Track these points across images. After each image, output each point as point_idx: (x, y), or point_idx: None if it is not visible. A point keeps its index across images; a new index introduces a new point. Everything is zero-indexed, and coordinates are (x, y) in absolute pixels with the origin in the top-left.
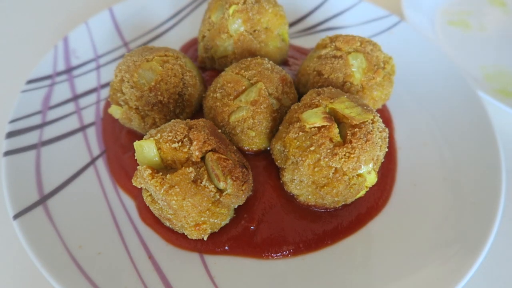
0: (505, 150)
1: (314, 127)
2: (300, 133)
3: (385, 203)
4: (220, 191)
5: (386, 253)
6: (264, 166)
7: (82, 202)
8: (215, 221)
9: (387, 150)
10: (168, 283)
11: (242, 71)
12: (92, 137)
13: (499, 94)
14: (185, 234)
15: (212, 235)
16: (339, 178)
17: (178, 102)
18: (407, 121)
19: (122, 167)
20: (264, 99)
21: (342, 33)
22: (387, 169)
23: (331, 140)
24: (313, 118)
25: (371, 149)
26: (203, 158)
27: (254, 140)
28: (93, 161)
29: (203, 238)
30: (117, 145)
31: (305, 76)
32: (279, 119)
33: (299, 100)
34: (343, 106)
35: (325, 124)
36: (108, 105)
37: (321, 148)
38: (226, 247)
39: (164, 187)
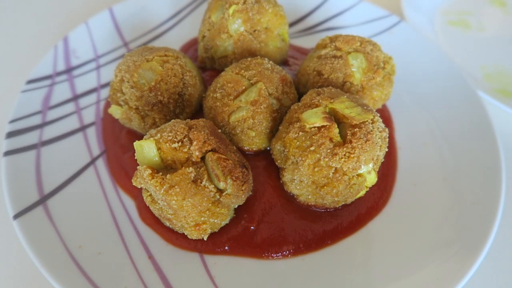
0: (505, 150)
1: (314, 127)
2: (300, 133)
3: (385, 203)
4: (220, 191)
5: (386, 253)
6: (264, 166)
7: (82, 202)
8: (215, 221)
9: (387, 150)
10: (168, 283)
11: (242, 71)
12: (92, 137)
13: (499, 94)
14: (185, 234)
15: (212, 235)
16: (339, 178)
17: (178, 102)
18: (407, 121)
19: (122, 167)
20: (264, 99)
21: (342, 33)
22: (387, 169)
23: (331, 140)
24: (313, 118)
25: (371, 149)
26: (203, 158)
27: (254, 140)
28: (93, 161)
29: (203, 238)
30: (117, 145)
31: (305, 76)
32: (279, 119)
33: (299, 100)
34: (343, 106)
35: (325, 124)
36: (108, 105)
37: (321, 148)
38: (226, 247)
39: (164, 187)
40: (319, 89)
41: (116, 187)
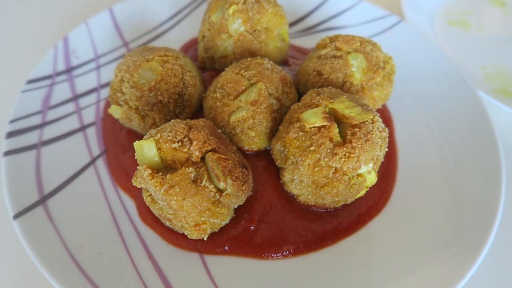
0: (505, 150)
1: (314, 127)
2: (300, 133)
3: (385, 203)
4: (220, 191)
5: (386, 253)
6: (264, 166)
7: (82, 202)
8: (215, 221)
9: (387, 150)
10: (168, 283)
11: (242, 71)
12: (92, 137)
13: (499, 94)
14: (185, 234)
15: (212, 235)
16: (339, 178)
17: (178, 102)
18: (407, 121)
19: (122, 167)
20: (264, 99)
21: (342, 33)
22: (387, 169)
23: (331, 140)
24: (313, 118)
25: (371, 149)
26: (203, 158)
27: (254, 140)
28: (93, 161)
29: (203, 238)
30: (117, 145)
31: (305, 76)
32: (279, 119)
33: (299, 100)
34: (343, 106)
35: (325, 124)
36: (108, 105)
37: (321, 148)
38: (226, 247)
39: (164, 187)
40: (319, 89)
41: (116, 187)
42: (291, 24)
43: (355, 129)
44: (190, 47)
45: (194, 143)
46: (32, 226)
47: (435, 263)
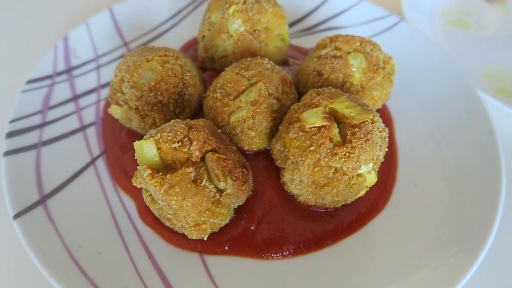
0: (505, 150)
1: (314, 127)
2: (300, 133)
3: (385, 203)
4: (220, 191)
5: (386, 253)
6: (264, 166)
7: (82, 202)
8: (215, 221)
9: (387, 150)
10: (168, 283)
11: (242, 71)
12: (92, 137)
13: (499, 94)
14: (185, 234)
15: (212, 235)
16: (339, 178)
17: (178, 102)
18: (407, 121)
19: (122, 167)
20: (264, 99)
21: (342, 33)
22: (387, 169)
23: (331, 140)
24: (313, 118)
25: (371, 148)
26: (203, 158)
27: (254, 140)
28: (93, 161)
29: (203, 238)
30: (117, 145)
31: (305, 76)
32: (279, 119)
33: (299, 100)
34: (343, 106)
35: (325, 124)
36: (108, 105)
37: (321, 148)
38: (226, 247)
39: (164, 187)
40: (319, 89)
41: (116, 187)
42: (291, 24)
43: (355, 129)
44: (190, 47)
45: (194, 143)
46: (32, 226)
47: (435, 263)
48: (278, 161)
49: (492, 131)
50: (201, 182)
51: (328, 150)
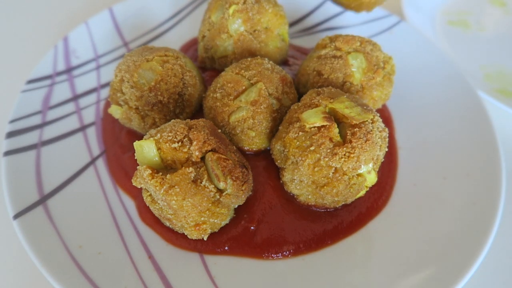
0: (505, 150)
1: (314, 127)
2: (300, 133)
3: (385, 203)
4: (220, 191)
5: (386, 253)
6: (264, 166)
7: (82, 202)
8: (215, 221)
9: (387, 149)
10: (168, 283)
11: (242, 71)
12: (92, 137)
13: (499, 94)
14: (185, 234)
15: (212, 235)
16: (339, 178)
17: (178, 102)
18: (407, 121)
19: (122, 167)
20: (264, 99)
21: (342, 33)
22: (388, 169)
23: (331, 140)
24: (313, 118)
25: (371, 148)
26: (203, 158)
27: (254, 140)
28: (93, 161)
29: (203, 238)
30: (117, 145)
31: (305, 76)
32: (279, 119)
33: (299, 100)
34: (342, 106)
35: (325, 124)
36: (108, 105)
37: (321, 148)
38: (226, 247)
39: (164, 187)
40: (319, 89)
41: (116, 187)
42: (291, 24)
43: (355, 129)
44: (190, 47)
45: (194, 143)
46: (32, 226)
47: (435, 263)
48: (278, 161)
49: (492, 131)
50: (201, 182)
51: (328, 150)
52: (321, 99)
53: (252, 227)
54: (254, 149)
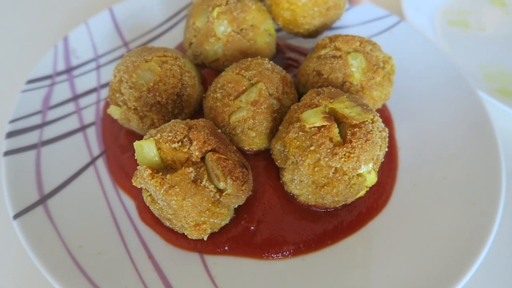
0: (505, 150)
1: (314, 127)
2: (300, 133)
3: (385, 203)
4: (220, 191)
5: (386, 253)
6: (264, 166)
7: (82, 202)
8: (215, 221)
9: (387, 149)
10: (168, 283)
11: (243, 71)
12: (92, 137)
13: (499, 94)
14: (185, 234)
15: (212, 235)
16: (339, 178)
17: (176, 102)
18: (407, 121)
19: (121, 167)
20: (265, 99)
21: (342, 33)
22: (388, 169)
23: (331, 140)
24: (313, 118)
25: (371, 148)
26: (203, 158)
27: (254, 140)
28: (93, 161)
29: (203, 238)
30: (116, 145)
31: (305, 76)
32: (279, 119)
33: (299, 100)
34: (342, 106)
35: (325, 124)
36: (107, 105)
37: (321, 148)
38: (226, 247)
39: (164, 187)
40: (319, 89)
41: (116, 187)
42: None
43: (355, 129)
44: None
45: (194, 143)
46: (32, 226)
47: (435, 263)
48: (278, 161)
49: (492, 131)
50: (201, 182)
51: (328, 150)
52: (321, 99)
53: (252, 227)
54: (254, 149)
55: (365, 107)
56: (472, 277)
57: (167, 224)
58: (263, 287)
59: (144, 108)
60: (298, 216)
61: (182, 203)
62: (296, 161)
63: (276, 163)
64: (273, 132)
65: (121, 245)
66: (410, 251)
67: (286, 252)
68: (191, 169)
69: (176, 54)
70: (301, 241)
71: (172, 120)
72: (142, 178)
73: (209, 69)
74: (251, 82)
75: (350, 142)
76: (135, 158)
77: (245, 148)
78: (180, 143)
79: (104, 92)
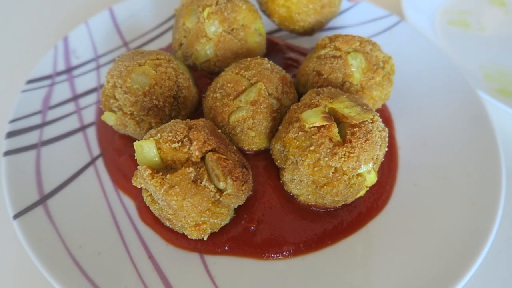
0: (505, 150)
1: (314, 126)
2: (300, 133)
3: (385, 203)
4: (220, 191)
5: (386, 253)
6: (264, 166)
7: (82, 202)
8: (215, 221)
9: (387, 149)
10: (168, 283)
11: (242, 71)
12: (92, 137)
13: (499, 94)
14: (185, 234)
15: (212, 235)
16: (339, 177)
17: (173, 105)
18: (407, 121)
19: (119, 169)
20: (264, 99)
21: (342, 33)
22: (388, 169)
23: (330, 139)
24: (313, 118)
25: (371, 148)
26: (203, 158)
27: (254, 140)
28: (93, 161)
29: (203, 238)
30: (112, 148)
31: (305, 76)
32: (279, 119)
33: (299, 100)
34: (342, 106)
35: (324, 123)
36: (101, 110)
37: (320, 148)
38: (226, 247)
39: (164, 187)
40: (319, 89)
41: (116, 187)
42: None
43: (355, 129)
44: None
45: (194, 143)
46: (32, 226)
47: (435, 263)
48: (278, 161)
49: (492, 131)
50: (201, 182)
51: (328, 150)
52: (320, 99)
53: (252, 227)
54: (254, 149)
55: (365, 107)
56: (472, 277)
57: (167, 224)
58: (263, 287)
59: (141, 113)
60: (298, 216)
61: (182, 203)
62: (296, 161)
63: (276, 163)
64: (272, 132)
65: (121, 245)
66: (410, 251)
67: (286, 252)
68: (191, 169)
69: (168, 56)
70: (301, 241)
71: (172, 120)
72: (142, 178)
73: (200, 71)
74: (251, 82)
75: (350, 142)
76: (135, 158)
77: (245, 148)
78: (180, 143)
79: None
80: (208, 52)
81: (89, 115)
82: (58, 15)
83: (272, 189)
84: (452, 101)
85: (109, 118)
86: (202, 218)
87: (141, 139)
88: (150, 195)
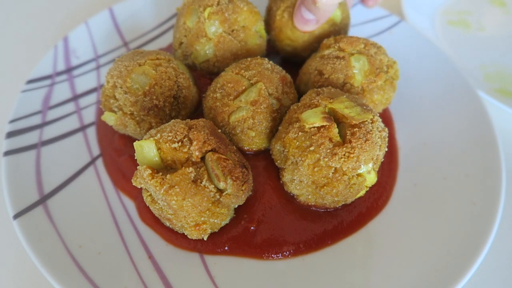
0: (505, 150)
1: (314, 127)
2: (300, 133)
3: (386, 203)
4: (220, 191)
5: (386, 253)
6: (264, 166)
7: (82, 202)
8: (215, 221)
9: (386, 149)
10: (168, 283)
11: (242, 71)
12: (92, 137)
13: (499, 94)
14: (185, 234)
15: (212, 235)
16: (339, 178)
17: (173, 105)
18: (407, 121)
19: (119, 169)
20: (264, 99)
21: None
22: (388, 169)
23: (330, 140)
24: (313, 118)
25: (371, 148)
26: (203, 158)
27: (254, 140)
28: (93, 161)
29: (203, 238)
30: (112, 148)
31: (307, 75)
32: (279, 119)
33: (298, 100)
34: (342, 106)
35: (324, 124)
36: (101, 110)
37: (320, 148)
38: (226, 247)
39: (164, 187)
40: (319, 89)
41: (116, 187)
42: None
43: (355, 129)
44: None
45: (194, 143)
46: (32, 226)
47: (435, 263)
48: (278, 161)
49: (492, 131)
50: (201, 182)
51: (328, 150)
52: (320, 99)
53: (252, 227)
54: (254, 149)
55: (364, 107)
56: (472, 277)
57: (167, 224)
58: (263, 287)
59: (141, 113)
60: (298, 216)
61: (182, 203)
62: (296, 161)
63: (276, 163)
64: (272, 132)
65: (121, 245)
66: (410, 251)
67: (286, 252)
68: (191, 169)
69: (168, 56)
70: (301, 241)
71: (172, 120)
72: (142, 178)
73: (199, 71)
74: (251, 82)
75: (350, 142)
76: (135, 158)
77: (245, 148)
78: (180, 143)
79: None
80: (207, 52)
81: (89, 115)
82: (58, 15)
83: (272, 189)
84: (452, 101)
85: (109, 118)
86: (202, 218)
87: (141, 139)
88: (150, 195)
